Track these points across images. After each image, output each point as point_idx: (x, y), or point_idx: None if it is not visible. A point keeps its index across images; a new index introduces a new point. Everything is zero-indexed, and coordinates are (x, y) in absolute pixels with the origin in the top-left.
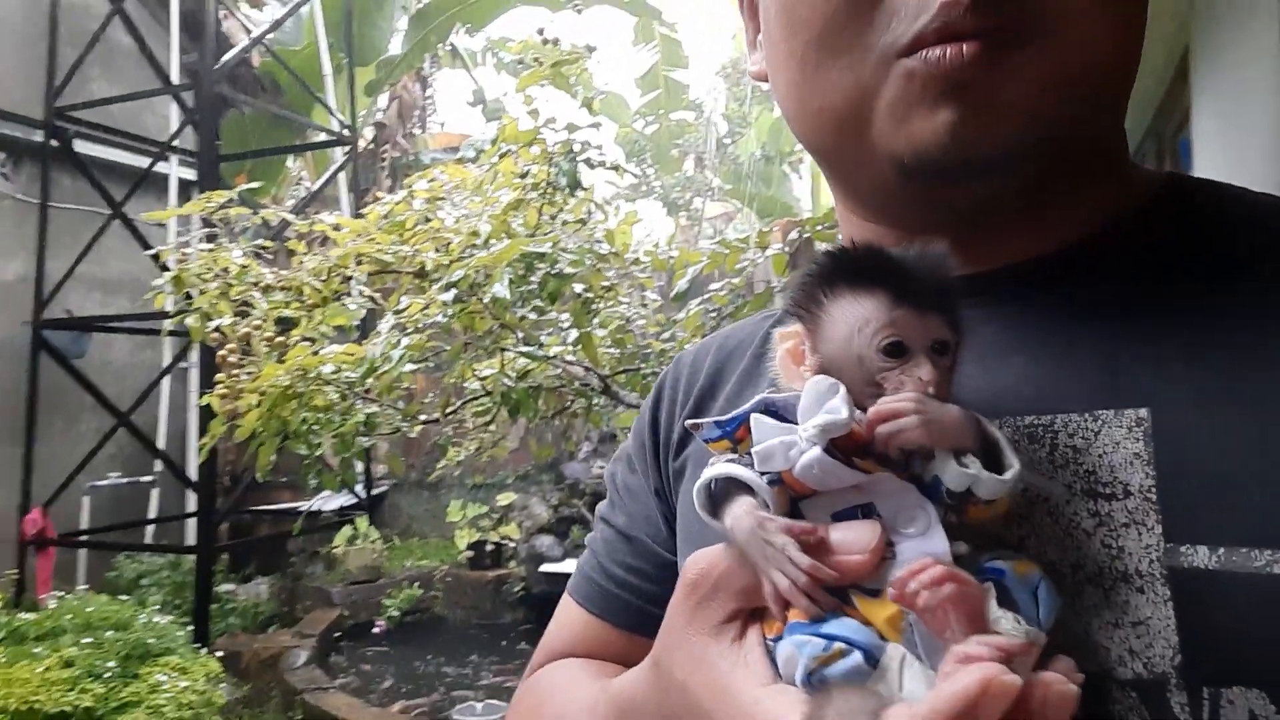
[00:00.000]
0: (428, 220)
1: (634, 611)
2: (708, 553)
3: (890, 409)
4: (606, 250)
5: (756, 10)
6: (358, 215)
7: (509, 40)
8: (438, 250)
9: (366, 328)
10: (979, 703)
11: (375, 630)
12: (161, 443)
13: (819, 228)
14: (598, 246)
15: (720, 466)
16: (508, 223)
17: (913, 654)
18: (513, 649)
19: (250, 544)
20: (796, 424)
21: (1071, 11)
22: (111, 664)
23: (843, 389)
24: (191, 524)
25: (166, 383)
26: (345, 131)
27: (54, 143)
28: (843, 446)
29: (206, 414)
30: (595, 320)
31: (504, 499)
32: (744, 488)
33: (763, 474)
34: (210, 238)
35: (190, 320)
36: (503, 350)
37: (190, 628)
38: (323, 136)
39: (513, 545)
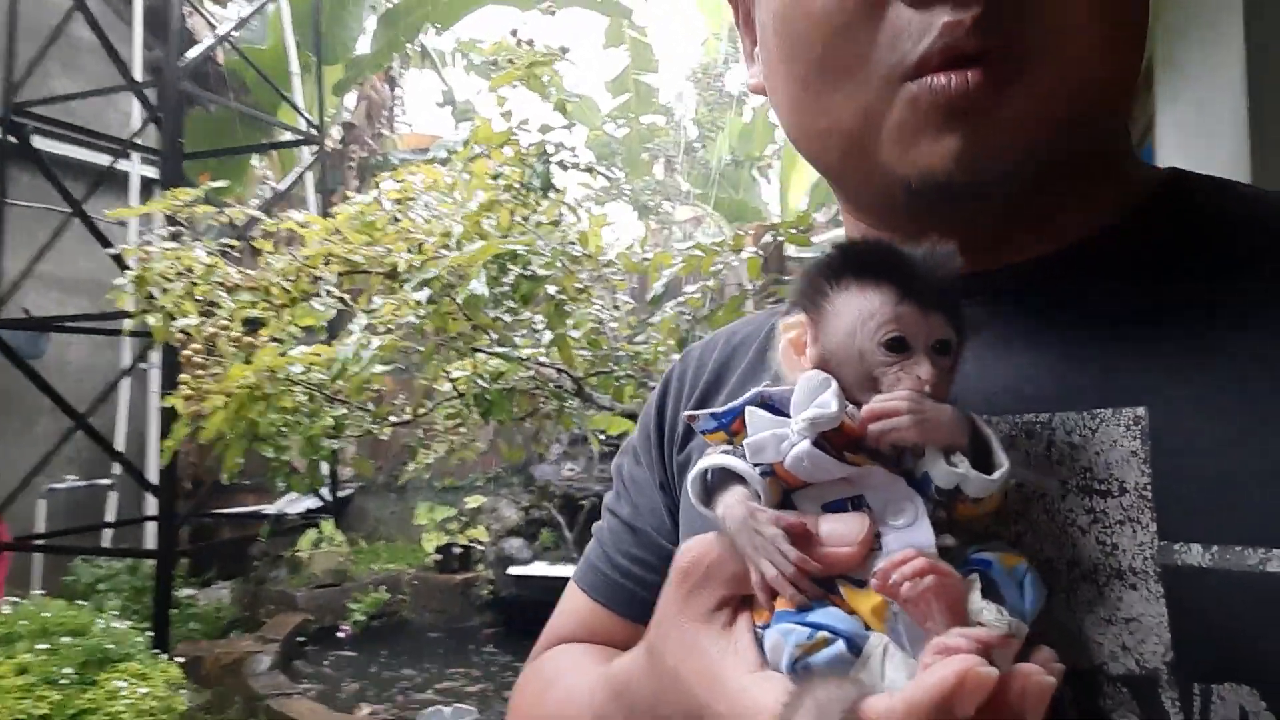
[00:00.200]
0: (397, 220)
1: (637, 601)
2: (699, 541)
3: (884, 408)
4: (580, 252)
5: (753, 24)
6: (326, 215)
7: (479, 42)
8: (410, 251)
9: (334, 329)
10: (956, 694)
11: (340, 634)
12: (120, 445)
13: (792, 231)
14: (570, 248)
15: (715, 457)
16: (480, 224)
17: (897, 644)
18: (481, 653)
19: (212, 548)
20: (790, 417)
21: (1073, 27)
22: (68, 670)
23: (834, 383)
24: (150, 528)
25: (126, 384)
26: (313, 131)
27: (12, 139)
28: (835, 440)
29: (167, 416)
30: (570, 322)
31: (473, 501)
32: (738, 478)
33: (755, 465)
34: (174, 236)
35: (153, 320)
36: (475, 352)
37: (150, 633)
38: (289, 136)
39: (481, 548)
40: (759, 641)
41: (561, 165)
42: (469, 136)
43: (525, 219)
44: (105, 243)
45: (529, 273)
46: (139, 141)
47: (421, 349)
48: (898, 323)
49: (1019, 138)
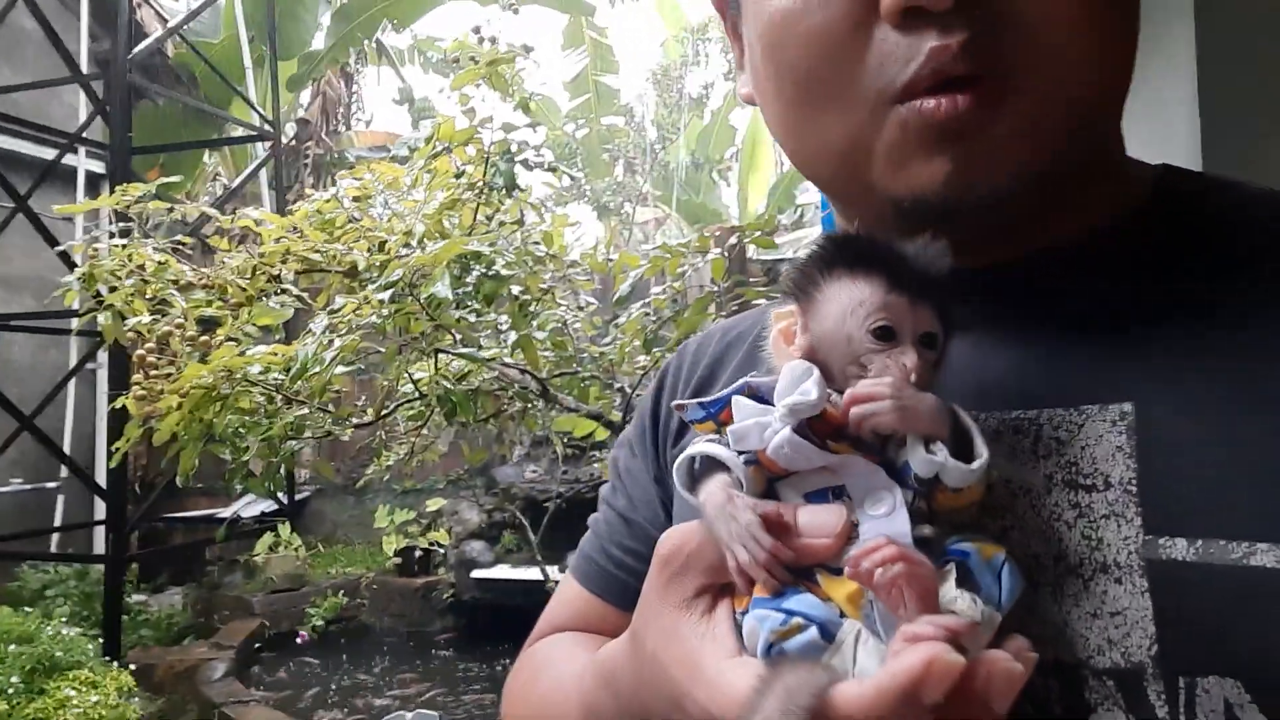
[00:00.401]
0: (356, 219)
1: (631, 592)
2: (680, 529)
3: (867, 392)
4: (544, 253)
5: (741, 36)
6: (281, 213)
7: (438, 40)
8: (370, 250)
9: (291, 328)
10: (923, 681)
11: (298, 640)
12: (67, 447)
13: (757, 234)
14: (534, 249)
15: (700, 445)
16: (442, 223)
17: (871, 631)
18: (441, 657)
19: (164, 553)
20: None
21: (1060, 46)
22: (15, 679)
23: (816, 372)
24: (99, 532)
25: (73, 385)
26: (267, 127)
27: None
28: (818, 429)
29: (116, 417)
30: (534, 323)
31: (433, 504)
32: (724, 467)
33: (740, 454)
34: (124, 233)
35: (102, 319)
36: (439, 352)
37: (100, 640)
38: (242, 131)
39: (442, 551)
40: (739, 628)
41: (526, 164)
42: (431, 134)
43: (489, 218)
44: (51, 239)
45: (492, 273)
46: (85, 136)
47: (383, 349)
48: (886, 311)
49: (1009, 158)
